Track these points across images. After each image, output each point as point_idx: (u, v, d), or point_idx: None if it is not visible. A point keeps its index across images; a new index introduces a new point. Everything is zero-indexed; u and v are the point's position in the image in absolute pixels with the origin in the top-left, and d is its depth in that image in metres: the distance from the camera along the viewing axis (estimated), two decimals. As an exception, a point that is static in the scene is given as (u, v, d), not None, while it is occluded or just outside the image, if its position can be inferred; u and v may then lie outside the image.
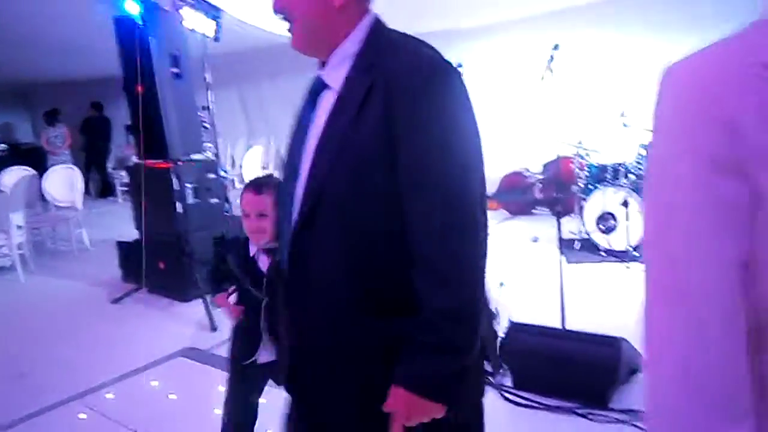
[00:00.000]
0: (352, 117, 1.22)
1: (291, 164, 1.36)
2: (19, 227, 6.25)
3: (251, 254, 2.17)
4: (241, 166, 8.87)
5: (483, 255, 1.26)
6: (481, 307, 1.25)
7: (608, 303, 4.26)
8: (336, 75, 1.29)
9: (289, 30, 1.33)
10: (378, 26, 1.32)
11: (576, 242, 5.58)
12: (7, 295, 5.74)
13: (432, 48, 1.29)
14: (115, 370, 3.70)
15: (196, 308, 4.70)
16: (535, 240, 5.88)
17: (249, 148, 9.14)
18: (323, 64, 1.35)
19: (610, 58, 6.67)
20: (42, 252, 7.07)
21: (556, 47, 3.36)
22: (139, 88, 4.60)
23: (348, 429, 1.38)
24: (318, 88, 1.34)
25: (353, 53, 1.28)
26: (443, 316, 1.20)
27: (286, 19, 1.31)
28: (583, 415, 2.85)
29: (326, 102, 1.30)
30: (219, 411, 2.44)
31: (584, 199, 5.57)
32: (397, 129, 1.19)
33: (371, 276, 1.26)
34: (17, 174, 7.34)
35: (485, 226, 1.27)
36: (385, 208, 1.23)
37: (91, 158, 11.71)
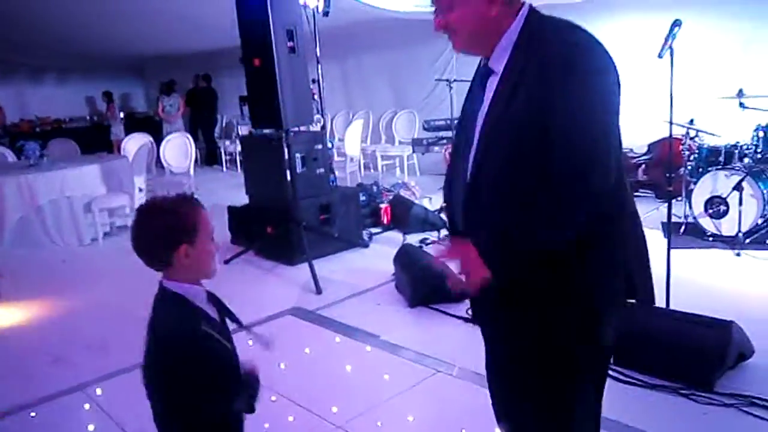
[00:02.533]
0: (509, 96, 1.44)
1: (463, 138, 1.59)
2: (141, 190, 6.77)
3: (201, 308, 1.69)
4: (341, 139, 9.10)
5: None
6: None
7: (714, 289, 4.15)
8: (499, 62, 1.51)
9: (450, 38, 1.56)
10: (532, 16, 1.51)
11: (681, 226, 5.42)
12: (131, 253, 6.23)
13: (579, 30, 1.46)
14: (229, 324, 4.00)
15: (301, 272, 4.97)
16: None
17: (350, 122, 9.34)
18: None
19: (729, 35, 6.33)
20: (157, 214, 7.59)
21: (677, 23, 3.25)
22: (257, 62, 4.84)
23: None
24: (487, 73, 1.55)
25: (512, 42, 1.49)
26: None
27: (446, 31, 1.54)
28: (686, 396, 2.84)
29: (492, 84, 1.52)
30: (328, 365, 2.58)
31: (693, 182, 5.38)
32: (547, 105, 1.37)
33: (520, 224, 1.44)
34: (138, 141, 7.90)
35: (615, 192, 1.44)
36: (535, 174, 1.41)
37: (198, 127, 12.34)
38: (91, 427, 2.96)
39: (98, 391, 3.28)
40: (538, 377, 1.54)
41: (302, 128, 5.57)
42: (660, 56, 3.29)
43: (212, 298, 1.75)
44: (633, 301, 1.60)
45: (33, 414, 3.12)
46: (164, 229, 1.61)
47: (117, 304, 4.50)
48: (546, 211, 1.39)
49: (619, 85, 1.44)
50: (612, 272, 1.50)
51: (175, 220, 1.61)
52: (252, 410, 1.75)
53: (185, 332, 1.60)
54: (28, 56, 12.16)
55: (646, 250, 1.62)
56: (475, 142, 1.51)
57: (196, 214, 1.65)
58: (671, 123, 3.82)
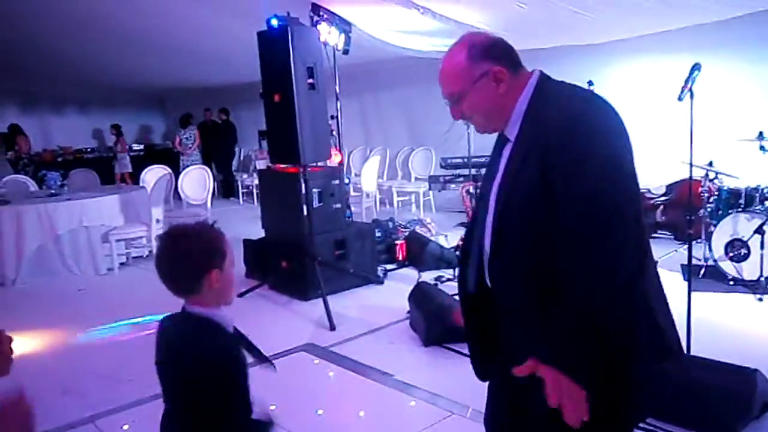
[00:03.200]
0: (520, 163, 1.48)
1: (483, 202, 1.62)
2: (158, 221, 6.81)
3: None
4: (357, 175, 9.15)
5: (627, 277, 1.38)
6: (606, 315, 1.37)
7: (736, 334, 4.06)
8: (513, 130, 1.56)
9: (470, 122, 1.64)
10: (542, 83, 1.55)
11: (701, 269, 5.33)
12: (147, 283, 6.26)
13: (587, 94, 1.52)
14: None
15: (315, 307, 4.94)
16: None
17: (367, 158, 9.40)
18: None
19: (748, 77, 6.32)
20: (174, 245, 7.63)
21: (697, 67, 3.26)
22: (277, 97, 4.91)
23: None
24: (503, 141, 1.61)
25: (522, 111, 1.54)
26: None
27: (464, 118, 1.62)
28: (709, 446, 2.76)
29: (506, 152, 1.57)
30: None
31: (713, 224, 5.32)
32: (554, 172, 1.40)
33: (547, 291, 1.44)
34: (156, 173, 8.00)
35: (637, 257, 1.42)
36: (549, 236, 1.42)
37: (213, 160, 12.47)
38: (99, 462, 2.92)
39: (108, 423, 3.24)
40: None
41: (320, 163, 5.61)
42: (680, 99, 3.29)
43: (234, 328, 1.71)
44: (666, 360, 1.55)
45: (42, 446, 3.08)
46: (197, 252, 1.58)
47: (131, 335, 4.50)
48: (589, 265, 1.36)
49: (628, 143, 1.44)
50: (635, 337, 1.45)
51: (207, 244, 1.60)
52: None
53: (225, 350, 1.59)
54: (50, 87, 12.48)
55: (666, 299, 1.59)
56: (492, 206, 1.55)
57: (222, 239, 1.63)
58: (691, 165, 3.80)
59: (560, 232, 1.38)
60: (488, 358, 1.74)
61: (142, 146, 14.60)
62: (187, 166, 9.19)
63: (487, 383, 1.84)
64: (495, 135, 1.68)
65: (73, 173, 8.99)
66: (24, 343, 4.61)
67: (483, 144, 6.64)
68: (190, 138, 11.74)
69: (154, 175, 7.89)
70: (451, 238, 6.43)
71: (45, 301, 5.78)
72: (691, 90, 3.25)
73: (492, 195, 1.56)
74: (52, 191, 7.15)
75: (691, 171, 3.87)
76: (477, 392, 3.10)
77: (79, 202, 6.65)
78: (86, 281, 6.38)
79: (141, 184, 7.95)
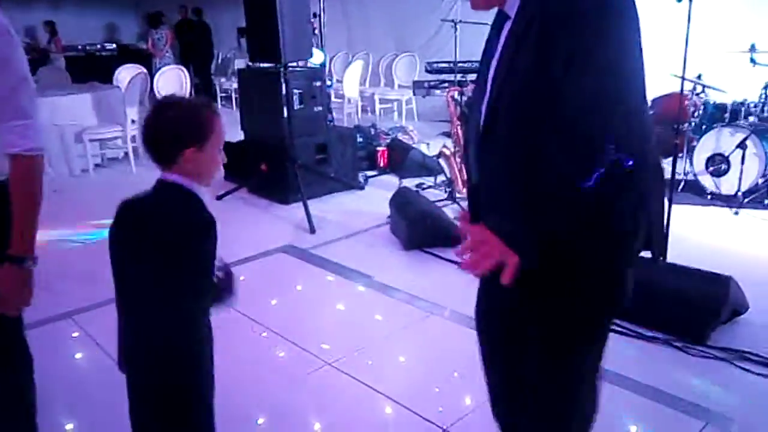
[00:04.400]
0: (519, 40, 1.34)
1: (479, 86, 1.50)
2: (133, 121, 6.61)
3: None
4: (339, 80, 8.90)
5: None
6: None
7: (711, 246, 4.12)
8: (513, 5, 1.40)
9: None
10: None
11: (680, 183, 5.36)
12: (122, 184, 6.16)
13: None
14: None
15: (295, 211, 4.91)
16: None
17: (349, 62, 9.12)
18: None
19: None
20: (150, 148, 7.46)
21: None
22: (256, -9, 4.65)
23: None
24: (502, 18, 1.46)
25: None
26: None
27: None
28: (679, 348, 2.84)
29: (505, 30, 1.43)
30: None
31: (696, 139, 5.30)
32: (555, 54, 1.26)
33: (534, 180, 1.36)
34: (131, 72, 7.68)
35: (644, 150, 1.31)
36: (547, 122, 1.31)
37: (190, 62, 12.02)
38: (78, 354, 2.94)
39: (86, 320, 3.25)
40: (557, 348, 1.48)
41: (301, 64, 5.41)
42: (679, 0, 3.16)
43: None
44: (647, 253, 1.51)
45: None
46: (179, 124, 1.55)
47: (106, 236, 4.43)
48: (565, 157, 1.28)
49: (638, 28, 1.30)
50: (637, 225, 1.39)
51: (192, 119, 1.56)
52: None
53: (198, 214, 1.56)
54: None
55: (663, 205, 1.55)
56: (488, 89, 1.43)
57: (212, 119, 1.58)
58: (683, 78, 3.72)
59: (559, 124, 1.28)
60: None
61: (114, 45, 14.01)
62: (160, 68, 8.84)
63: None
64: (482, 40, 1.56)
65: (41, 70, 8.61)
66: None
67: (470, 48, 6.42)
68: (162, 38, 11.22)
69: (127, 74, 7.57)
70: (433, 146, 6.34)
71: (18, 200, 5.65)
72: (690, -8, 3.12)
73: (489, 78, 1.45)
74: (20, 88, 6.84)
75: (683, 84, 3.80)
76: (455, 294, 3.15)
77: (49, 100, 6.38)
78: (60, 182, 6.24)
79: (115, 84, 7.65)
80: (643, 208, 1.37)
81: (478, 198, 1.54)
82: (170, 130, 1.56)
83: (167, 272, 1.55)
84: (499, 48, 1.43)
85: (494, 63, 1.43)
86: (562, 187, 1.29)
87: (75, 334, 3.13)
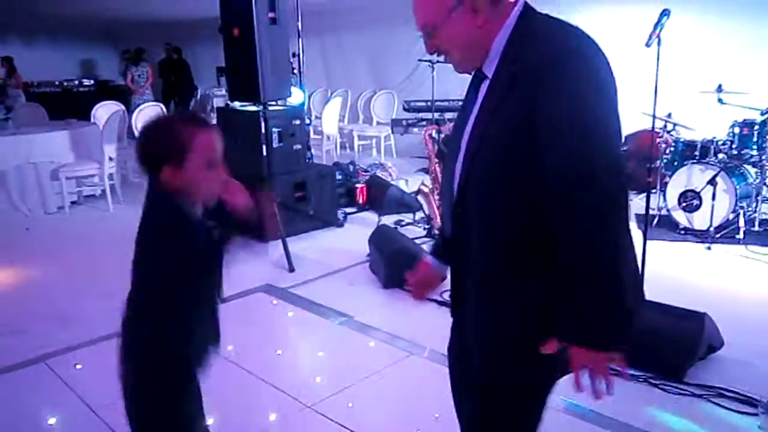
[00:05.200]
0: (498, 100, 1.36)
1: (454, 143, 1.51)
2: (111, 159, 6.58)
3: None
4: (318, 117, 8.97)
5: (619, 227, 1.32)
6: (619, 266, 1.30)
7: (685, 282, 4.19)
8: (491, 66, 1.43)
9: (446, 60, 1.49)
10: (525, 15, 1.41)
11: (654, 218, 5.46)
12: (99, 223, 6.10)
13: (571, 31, 1.36)
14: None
15: (274, 249, 4.89)
16: None
17: (328, 99, 9.21)
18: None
19: (710, 29, 6.36)
20: (127, 185, 7.41)
21: (666, 13, 3.23)
22: (236, 31, 4.70)
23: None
24: (480, 78, 1.48)
25: (502, 45, 1.41)
26: (577, 276, 1.29)
27: (439, 53, 1.48)
28: (656, 386, 2.86)
29: (483, 89, 1.45)
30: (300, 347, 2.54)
31: (668, 175, 5.42)
32: (535, 113, 1.29)
33: (515, 241, 1.39)
34: (109, 108, 7.67)
35: (624, 205, 1.34)
36: (523, 184, 1.34)
37: (172, 99, 12.04)
38: (52, 400, 2.86)
39: (59, 363, 3.17)
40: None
41: (280, 103, 5.46)
42: (647, 45, 3.27)
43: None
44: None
45: (-10, 385, 3.01)
46: (150, 145, 1.58)
47: (81, 275, 4.37)
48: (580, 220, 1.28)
49: (615, 85, 1.34)
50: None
51: (165, 139, 1.56)
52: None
53: (177, 210, 1.57)
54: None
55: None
56: (463, 147, 1.45)
57: (192, 134, 1.55)
58: (654, 116, 3.81)
59: (544, 178, 1.29)
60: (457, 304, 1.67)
61: (92, 81, 14.00)
62: (139, 105, 8.83)
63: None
64: (462, 78, 1.56)
65: (19, 107, 8.56)
66: (-31, 281, 4.45)
67: (447, 87, 6.55)
68: (142, 75, 11.22)
69: (106, 111, 7.56)
70: (411, 183, 6.39)
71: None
72: (659, 37, 3.23)
73: (465, 134, 1.46)
74: (-5, 125, 6.81)
75: (654, 122, 3.89)
76: (435, 333, 3.13)
77: (25, 137, 6.36)
78: (34, 221, 6.16)
79: (92, 121, 7.62)
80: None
81: (456, 249, 1.55)
82: (144, 151, 1.59)
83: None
84: (477, 106, 1.45)
85: (472, 120, 1.45)
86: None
87: (48, 379, 3.05)
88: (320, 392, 2.87)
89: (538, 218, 1.33)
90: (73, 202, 6.61)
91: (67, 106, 11.89)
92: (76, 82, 13.92)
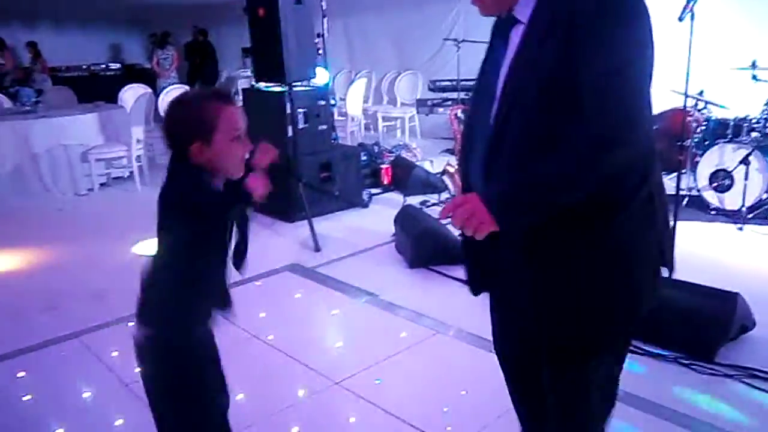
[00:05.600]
0: (537, 44, 1.34)
1: (485, 93, 1.47)
2: (139, 141, 6.66)
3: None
4: (342, 99, 8.95)
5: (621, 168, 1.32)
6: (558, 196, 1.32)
7: (716, 262, 4.11)
8: (525, 10, 1.39)
9: (474, 2, 1.46)
10: None
11: (684, 199, 5.36)
12: (127, 204, 6.19)
13: None
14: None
15: (300, 229, 4.93)
16: None
17: (352, 81, 9.18)
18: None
19: (746, 4, 6.18)
20: (154, 167, 7.50)
21: (699, -14, 3.15)
22: (261, 11, 4.70)
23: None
24: (509, 23, 1.44)
25: None
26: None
27: None
28: (687, 366, 2.83)
29: (516, 35, 1.41)
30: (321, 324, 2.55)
31: (699, 155, 5.31)
32: (577, 54, 1.27)
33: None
34: (136, 91, 7.74)
35: (646, 152, 1.35)
36: (562, 126, 1.31)
37: (197, 81, 12.12)
38: (86, 375, 2.93)
39: (93, 339, 3.25)
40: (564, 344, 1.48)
41: (305, 83, 5.46)
42: (680, 19, 3.19)
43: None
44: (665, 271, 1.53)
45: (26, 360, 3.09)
46: (181, 123, 1.60)
47: (111, 254, 4.45)
48: (566, 166, 1.30)
49: (652, 35, 1.31)
50: (648, 237, 1.41)
51: (194, 115, 1.59)
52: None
53: (195, 183, 1.60)
54: (20, 2, 11.85)
55: (668, 220, 1.54)
56: (499, 93, 1.41)
57: (218, 110, 1.59)
58: (686, 94, 3.74)
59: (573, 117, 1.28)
60: (482, 273, 1.66)
61: (118, 65, 14.14)
62: (165, 88, 8.90)
63: (488, 311, 1.77)
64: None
65: (49, 91, 8.69)
66: (4, 261, 4.56)
67: (472, 66, 6.47)
68: (167, 59, 11.30)
69: (133, 94, 7.62)
70: (436, 164, 6.37)
71: (23, 220, 5.69)
72: (692, 11, 3.14)
73: (498, 82, 1.42)
74: (27, 108, 6.92)
75: (685, 100, 3.81)
76: (461, 312, 3.13)
77: (56, 120, 6.46)
78: (65, 201, 6.29)
79: (120, 103, 7.71)
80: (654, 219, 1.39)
81: None
82: (173, 129, 1.61)
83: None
84: (510, 51, 1.41)
85: (506, 64, 1.41)
86: (560, 190, 1.32)
87: (82, 355, 3.13)
88: (347, 369, 2.90)
89: None
90: (102, 184, 6.73)
91: (94, 89, 12.01)
92: (103, 66, 14.08)
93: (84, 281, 4.05)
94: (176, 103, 1.64)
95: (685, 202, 5.30)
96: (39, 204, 6.15)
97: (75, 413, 2.61)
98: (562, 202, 1.32)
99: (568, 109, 1.29)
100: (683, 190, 5.36)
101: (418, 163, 6.36)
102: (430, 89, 8.36)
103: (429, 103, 8.13)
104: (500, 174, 1.42)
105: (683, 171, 5.49)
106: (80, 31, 13.98)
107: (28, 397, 2.79)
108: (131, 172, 6.71)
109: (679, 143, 3.95)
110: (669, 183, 4.27)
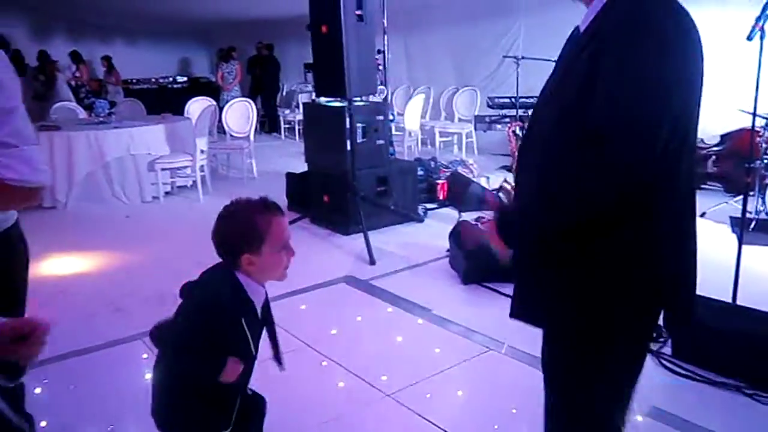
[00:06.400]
0: (577, 53, 1.38)
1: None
2: (202, 151, 6.90)
3: (252, 301, 1.76)
4: (400, 114, 9.04)
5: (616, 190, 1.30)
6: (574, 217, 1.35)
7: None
8: (585, 23, 1.44)
9: None
10: None
11: (752, 222, 5.17)
12: (190, 212, 6.42)
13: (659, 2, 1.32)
14: (283, 287, 4.02)
15: (355, 242, 5.00)
16: None
17: (410, 96, 9.27)
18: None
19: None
20: (216, 177, 7.76)
21: (769, 5, 3.07)
22: (324, 28, 4.83)
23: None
24: (575, 35, 1.49)
25: (601, 4, 1.39)
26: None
27: None
28: (750, 396, 2.73)
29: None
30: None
31: (768, 177, 5.13)
32: (599, 71, 1.29)
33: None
34: (201, 104, 8.04)
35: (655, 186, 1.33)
36: (577, 133, 1.33)
37: (259, 95, 12.45)
38: (148, 375, 3.05)
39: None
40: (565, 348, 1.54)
41: (365, 98, 5.56)
42: (749, 39, 3.11)
43: (266, 306, 1.83)
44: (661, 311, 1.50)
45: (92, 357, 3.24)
46: (231, 235, 1.69)
47: (175, 260, 4.62)
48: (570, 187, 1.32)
49: (695, 60, 1.31)
50: (630, 262, 1.38)
51: (244, 228, 1.67)
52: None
53: (222, 297, 1.67)
54: (98, 17, 12.47)
55: (694, 260, 1.47)
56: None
57: (268, 223, 1.68)
58: (755, 114, 3.62)
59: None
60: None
61: (185, 78, 14.69)
62: (228, 101, 9.20)
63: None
64: (543, 76, 1.60)
65: (121, 102, 9.11)
66: (76, 263, 4.80)
67: (532, 84, 6.46)
68: (231, 73, 11.67)
69: (198, 106, 7.93)
70: (493, 180, 6.35)
71: (94, 225, 5.97)
72: (762, 29, 3.06)
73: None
74: (101, 119, 7.28)
75: (754, 120, 3.69)
76: (514, 330, 3.10)
77: (126, 130, 6.76)
78: (132, 208, 6.55)
79: (186, 115, 8.01)
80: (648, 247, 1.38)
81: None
82: (226, 241, 1.70)
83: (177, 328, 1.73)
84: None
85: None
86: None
87: (144, 356, 3.26)
88: (399, 382, 2.92)
89: None
90: (166, 193, 6.98)
91: (162, 101, 12.56)
92: (171, 79, 14.67)
93: (149, 285, 4.22)
94: (225, 217, 1.71)
95: (752, 226, 5.11)
96: (108, 210, 6.45)
97: (136, 409, 2.72)
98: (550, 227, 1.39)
99: (584, 112, 1.30)
100: (750, 213, 5.18)
101: (474, 179, 6.36)
102: (489, 106, 8.35)
103: (487, 119, 8.13)
104: (527, 171, 1.52)
105: (751, 193, 5.32)
106: (151, 45, 14.65)
107: (94, 391, 2.93)
108: (194, 182, 6.94)
109: (747, 164, 3.82)
110: (735, 206, 4.15)
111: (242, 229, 1.67)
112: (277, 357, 1.92)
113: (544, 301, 1.49)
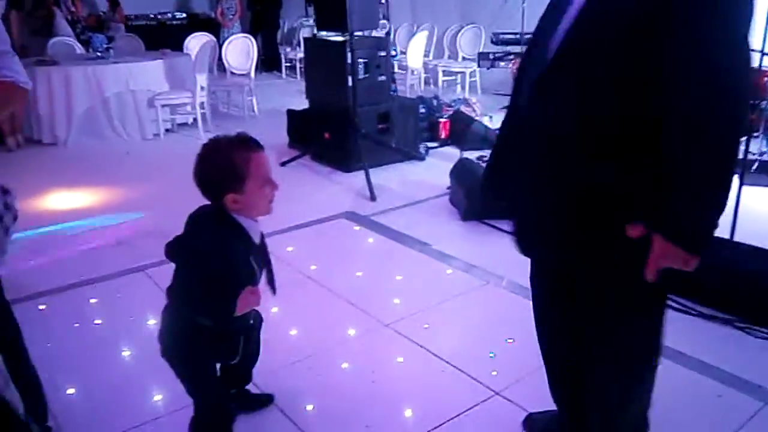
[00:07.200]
0: None
1: (546, 31, 1.47)
2: (202, 88, 6.81)
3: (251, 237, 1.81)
4: (403, 52, 8.87)
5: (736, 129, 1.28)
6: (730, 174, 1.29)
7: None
8: None
9: None
10: None
11: (754, 163, 5.14)
12: (191, 149, 6.36)
13: None
14: (284, 222, 4.05)
15: (356, 179, 5.00)
16: None
17: (413, 34, 9.07)
18: None
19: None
20: (216, 115, 7.68)
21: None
22: (325, -41, 4.69)
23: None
24: None
25: None
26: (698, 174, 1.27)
27: None
28: (742, 329, 2.78)
29: None
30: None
31: (773, 117, 5.06)
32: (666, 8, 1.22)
33: (599, 122, 1.36)
34: (200, 40, 7.87)
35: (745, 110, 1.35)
36: (635, 61, 1.29)
37: (261, 33, 12.18)
38: (150, 304, 3.11)
39: (158, 273, 3.42)
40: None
41: (366, 33, 5.45)
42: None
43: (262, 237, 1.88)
44: None
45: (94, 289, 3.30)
46: (213, 174, 1.70)
47: (176, 196, 4.61)
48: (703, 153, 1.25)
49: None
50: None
51: (226, 167, 1.68)
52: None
53: (226, 241, 1.73)
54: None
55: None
56: (566, 27, 1.39)
57: (247, 160, 1.68)
58: (762, 52, 3.55)
59: (661, 80, 1.25)
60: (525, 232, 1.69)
61: (184, 14, 14.35)
62: (227, 37, 9.01)
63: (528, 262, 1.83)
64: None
65: (120, 38, 8.94)
66: (78, 198, 4.82)
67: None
68: (231, 8, 11.38)
69: (197, 41, 7.76)
70: (495, 119, 6.29)
71: (94, 161, 5.96)
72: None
73: (564, 19, 1.39)
74: (99, 54, 7.16)
75: (761, 59, 3.63)
76: (513, 265, 3.13)
77: (125, 65, 6.67)
78: (132, 145, 6.53)
79: (185, 51, 7.87)
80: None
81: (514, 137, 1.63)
82: (208, 180, 1.71)
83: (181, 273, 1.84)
84: (578, 3, 1.38)
85: (572, 12, 1.38)
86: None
87: (148, 286, 3.31)
88: (397, 313, 2.98)
89: (638, 104, 1.31)
90: (167, 130, 6.93)
91: (161, 37, 12.28)
92: (169, 15, 14.32)
93: (150, 220, 4.24)
94: (205, 156, 1.71)
95: (754, 167, 5.08)
96: (108, 146, 6.43)
97: (139, 338, 2.79)
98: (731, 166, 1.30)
99: (652, 56, 1.26)
100: (754, 154, 5.15)
101: (477, 119, 6.30)
102: (493, 42, 8.18)
103: (491, 56, 7.97)
104: (556, 100, 1.42)
105: (755, 134, 5.27)
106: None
107: (99, 321, 2.99)
108: (195, 119, 6.89)
109: (752, 104, 3.77)
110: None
111: (223, 170, 1.68)
112: (271, 283, 1.97)
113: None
